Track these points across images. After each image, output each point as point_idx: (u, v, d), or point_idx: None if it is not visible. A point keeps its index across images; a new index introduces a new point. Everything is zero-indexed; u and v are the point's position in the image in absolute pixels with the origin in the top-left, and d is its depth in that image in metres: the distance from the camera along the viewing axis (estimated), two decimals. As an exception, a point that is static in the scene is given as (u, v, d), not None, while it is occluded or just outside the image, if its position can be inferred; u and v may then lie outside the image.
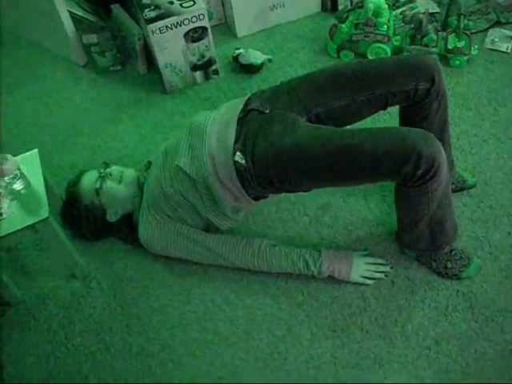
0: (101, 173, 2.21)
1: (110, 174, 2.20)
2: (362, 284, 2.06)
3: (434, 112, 2.02)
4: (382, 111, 2.07)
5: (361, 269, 2.06)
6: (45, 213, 1.95)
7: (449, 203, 1.92)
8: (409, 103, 2.02)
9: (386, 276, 2.07)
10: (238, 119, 1.99)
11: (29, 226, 1.93)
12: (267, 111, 1.99)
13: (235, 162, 1.91)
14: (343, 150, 1.79)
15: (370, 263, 2.08)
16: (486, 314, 1.93)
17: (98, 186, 2.18)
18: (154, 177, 2.14)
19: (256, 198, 2.03)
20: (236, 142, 1.93)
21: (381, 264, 2.09)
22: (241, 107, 2.03)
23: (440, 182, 1.77)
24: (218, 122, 2.03)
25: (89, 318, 2.11)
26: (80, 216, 2.23)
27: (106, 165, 2.26)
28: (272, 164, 1.87)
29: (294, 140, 1.86)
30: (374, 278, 2.06)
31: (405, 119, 2.12)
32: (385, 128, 1.90)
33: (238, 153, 1.91)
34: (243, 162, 1.90)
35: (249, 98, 2.09)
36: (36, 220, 1.93)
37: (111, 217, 2.24)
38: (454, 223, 2.00)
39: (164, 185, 2.07)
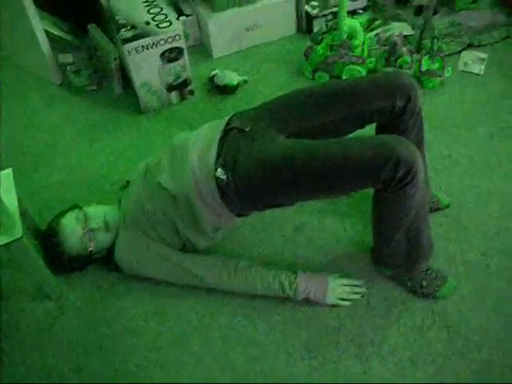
0: (85, 229, 2.13)
1: (97, 228, 2.14)
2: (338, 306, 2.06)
3: (409, 130, 2.04)
4: (359, 129, 2.08)
5: (337, 291, 2.06)
6: (18, 233, 1.92)
7: (425, 216, 1.94)
8: (385, 121, 2.03)
9: (361, 297, 2.07)
10: (220, 138, 2.00)
11: (2, 245, 1.90)
12: (247, 129, 2.00)
13: (217, 178, 1.92)
14: (323, 159, 1.80)
15: (345, 285, 2.08)
16: (461, 334, 1.94)
17: (91, 247, 2.13)
18: (133, 195, 2.13)
19: (238, 215, 2.03)
20: (217, 159, 1.94)
21: (356, 285, 2.10)
22: (222, 127, 2.05)
23: (417, 188, 1.78)
24: (200, 140, 2.04)
25: (62, 339, 2.08)
26: (64, 261, 2.18)
27: (80, 208, 2.19)
28: (253, 177, 1.88)
29: (275, 153, 1.87)
30: (349, 299, 2.06)
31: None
32: (363, 136, 1.91)
33: (219, 169, 1.92)
34: (224, 177, 1.90)
35: (230, 118, 2.10)
36: (9, 240, 1.91)
37: (97, 256, 2.21)
38: (430, 239, 2.01)
39: (144, 202, 2.06)
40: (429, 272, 2.03)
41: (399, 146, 1.73)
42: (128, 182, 2.29)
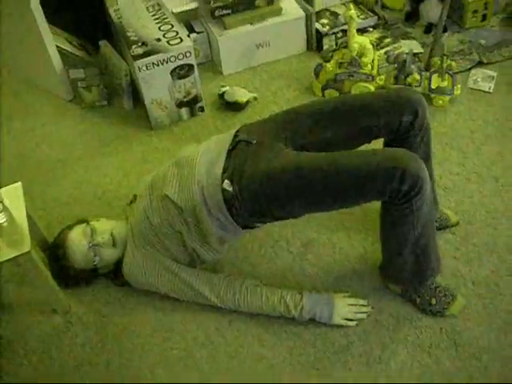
0: (90, 243, 2.13)
1: (103, 243, 2.14)
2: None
3: (417, 145, 2.04)
4: (366, 144, 2.09)
5: (343, 311, 2.05)
6: (27, 246, 1.93)
7: (433, 232, 1.93)
8: (393, 136, 2.04)
9: (368, 316, 2.06)
10: (227, 151, 2.01)
11: (10, 259, 1.91)
12: (254, 141, 2.01)
13: (223, 190, 1.92)
14: (330, 170, 1.81)
15: (351, 304, 2.07)
16: (469, 352, 1.92)
17: (95, 260, 2.14)
18: (140, 208, 2.13)
19: (244, 227, 2.03)
20: (224, 171, 1.95)
21: (362, 305, 2.08)
22: (229, 140, 2.06)
23: (424, 201, 1.79)
24: (207, 153, 2.05)
25: (69, 354, 2.08)
26: (70, 275, 2.19)
27: (87, 222, 2.19)
28: (260, 189, 1.88)
29: (281, 164, 1.88)
30: (355, 319, 2.05)
31: None
32: (368, 150, 1.91)
33: (226, 181, 1.93)
34: (231, 189, 1.91)
35: (237, 131, 2.11)
36: (18, 253, 1.92)
37: (103, 271, 2.23)
38: (438, 255, 2.00)
39: (151, 215, 2.07)
40: (438, 290, 2.02)
41: (405, 158, 1.74)
42: (135, 197, 2.29)
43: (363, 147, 2.07)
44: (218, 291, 2.08)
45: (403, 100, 1.99)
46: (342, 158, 1.85)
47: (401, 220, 1.86)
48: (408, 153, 1.79)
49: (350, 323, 2.04)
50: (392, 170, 1.72)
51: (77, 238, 2.14)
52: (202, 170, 2.00)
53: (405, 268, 1.99)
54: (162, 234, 2.07)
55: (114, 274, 2.22)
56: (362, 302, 2.09)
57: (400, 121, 1.98)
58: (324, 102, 2.13)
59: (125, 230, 2.20)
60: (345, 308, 2.05)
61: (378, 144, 2.10)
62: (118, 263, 2.19)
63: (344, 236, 2.33)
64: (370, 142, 2.08)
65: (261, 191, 1.89)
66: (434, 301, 2.01)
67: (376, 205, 1.91)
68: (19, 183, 2.18)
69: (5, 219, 1.99)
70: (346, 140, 2.05)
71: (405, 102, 1.98)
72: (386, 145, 2.13)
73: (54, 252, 2.18)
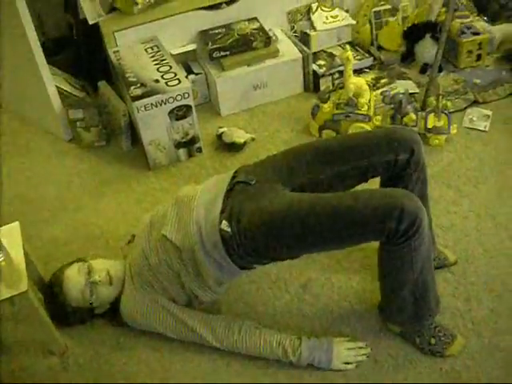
0: (87, 281, 2.12)
1: (100, 281, 2.13)
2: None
3: (413, 184, 2.05)
4: (363, 183, 2.10)
5: (342, 356, 2.02)
6: (24, 286, 1.92)
7: (431, 271, 1.93)
8: (389, 174, 2.05)
9: (367, 357, 2.04)
10: (226, 192, 2.02)
11: (7, 298, 1.90)
12: (253, 182, 2.02)
13: (221, 230, 1.92)
14: (327, 212, 1.82)
15: (350, 348, 2.05)
16: (470, 393, 1.91)
17: (91, 299, 2.12)
18: (139, 248, 2.13)
19: (241, 268, 2.02)
20: (222, 212, 1.95)
21: (361, 347, 2.06)
22: (228, 180, 2.07)
23: (422, 240, 1.79)
24: (206, 193, 2.06)
25: (65, 396, 2.06)
26: (65, 313, 2.18)
27: (84, 261, 2.20)
28: (258, 230, 1.88)
29: (280, 206, 1.89)
30: (356, 362, 2.03)
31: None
32: (365, 190, 1.93)
33: (224, 221, 1.93)
34: (229, 229, 1.91)
35: (236, 172, 2.12)
36: (15, 293, 1.91)
37: (99, 311, 2.21)
38: (436, 294, 2.00)
39: (149, 255, 2.07)
40: (437, 329, 2.01)
41: (403, 198, 1.75)
42: (133, 237, 2.29)
43: (360, 186, 2.08)
44: (216, 333, 2.07)
45: (398, 138, 2.01)
46: (340, 198, 1.86)
47: (399, 260, 1.85)
48: (406, 192, 1.81)
49: (350, 366, 2.02)
50: (390, 210, 1.73)
51: (74, 276, 2.14)
52: (200, 211, 2.00)
53: (404, 308, 1.98)
54: (160, 274, 2.06)
55: (112, 313, 2.21)
56: (360, 344, 2.07)
57: (396, 159, 1.99)
58: (321, 143, 2.15)
59: (122, 269, 2.20)
60: (344, 352, 2.03)
61: (374, 183, 2.11)
62: (115, 303, 2.18)
63: (343, 276, 2.32)
64: (367, 181, 2.09)
65: (259, 232, 1.89)
66: (433, 341, 2.00)
67: (375, 244, 1.91)
68: (17, 223, 2.18)
69: (2, 258, 1.98)
70: (343, 179, 2.06)
71: (400, 141, 2.00)
72: (382, 184, 2.15)
73: (50, 289, 2.17)
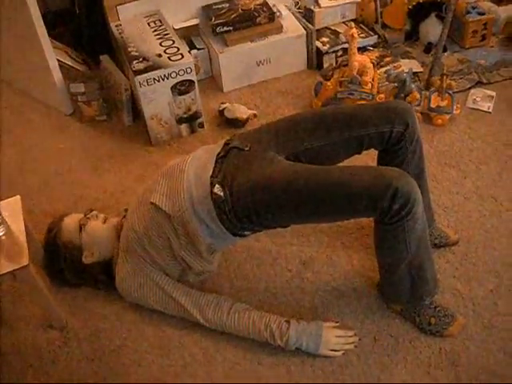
0: (86, 214, 2.21)
1: (97, 216, 2.21)
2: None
3: (409, 158, 2.06)
4: (357, 154, 2.10)
5: (330, 342, 2.02)
6: (25, 260, 1.92)
7: (427, 251, 1.93)
8: (384, 147, 2.06)
9: (355, 346, 2.03)
10: (218, 158, 2.02)
11: (8, 272, 1.90)
12: (247, 148, 2.03)
13: (213, 194, 1.92)
14: (321, 184, 1.83)
15: (339, 336, 2.05)
16: (468, 373, 1.91)
17: (83, 222, 2.18)
18: (129, 221, 2.14)
19: (233, 234, 2.01)
20: (215, 176, 1.95)
21: (350, 336, 2.06)
22: (219, 148, 2.07)
23: (416, 221, 1.80)
24: (197, 159, 2.07)
25: (65, 369, 2.06)
26: (58, 253, 2.19)
27: (91, 210, 2.26)
28: (250, 196, 1.88)
29: (274, 174, 1.89)
30: (342, 350, 2.03)
31: (381, 165, 2.15)
32: (362, 166, 1.92)
33: (217, 185, 1.93)
34: (222, 193, 1.91)
35: (229, 139, 2.12)
36: (16, 267, 1.90)
37: (86, 258, 2.19)
38: (435, 274, 2.00)
39: (137, 227, 2.07)
40: (437, 309, 2.01)
41: (398, 177, 1.76)
42: (126, 211, 2.29)
43: (354, 158, 2.09)
44: (205, 312, 2.07)
45: (394, 110, 2.01)
46: (335, 172, 1.87)
47: (393, 239, 1.86)
48: (401, 172, 1.81)
49: (337, 354, 2.01)
50: (384, 188, 1.73)
51: (73, 215, 2.24)
52: (190, 176, 2.00)
53: (401, 287, 1.99)
54: (150, 245, 2.06)
55: (108, 280, 2.22)
56: (350, 333, 2.06)
57: (391, 131, 1.99)
58: (318, 112, 2.14)
59: (117, 221, 2.25)
60: (332, 340, 2.02)
61: (371, 158, 2.11)
62: (107, 268, 2.21)
63: (343, 254, 2.32)
64: (360, 153, 2.09)
65: (251, 198, 1.89)
66: (433, 320, 2.00)
67: (375, 223, 1.91)
68: (18, 196, 2.17)
69: (3, 232, 1.98)
70: (338, 149, 2.06)
71: (395, 112, 2.00)
72: (379, 158, 2.15)
73: (49, 233, 2.23)
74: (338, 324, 2.08)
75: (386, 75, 3.01)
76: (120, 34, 3.07)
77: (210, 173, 1.97)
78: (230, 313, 2.05)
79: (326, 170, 1.89)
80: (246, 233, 2.05)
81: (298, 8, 3.50)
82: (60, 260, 2.20)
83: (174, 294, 2.09)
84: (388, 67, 3.18)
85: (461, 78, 3.09)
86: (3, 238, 1.98)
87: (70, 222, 2.21)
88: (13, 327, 2.21)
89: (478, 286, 2.15)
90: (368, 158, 2.22)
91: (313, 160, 2.03)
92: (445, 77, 2.82)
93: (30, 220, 2.26)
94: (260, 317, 2.04)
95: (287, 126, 2.10)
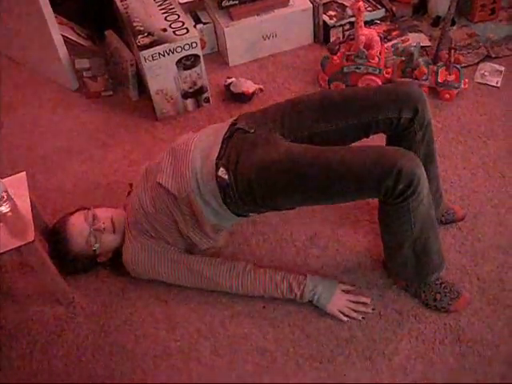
0: (92, 227, 2.14)
1: (104, 228, 2.15)
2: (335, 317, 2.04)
3: (418, 142, 2.03)
4: (365, 138, 2.09)
5: (340, 302, 2.04)
6: (31, 236, 1.93)
7: (433, 230, 1.92)
8: (392, 132, 2.04)
9: (362, 318, 2.03)
10: (224, 139, 2.01)
11: (14, 248, 1.91)
12: (252, 131, 2.02)
13: (218, 177, 1.92)
14: (326, 165, 1.82)
15: (351, 301, 2.06)
16: (473, 348, 1.92)
17: (95, 246, 2.14)
18: (135, 197, 2.14)
19: (238, 215, 2.03)
20: (220, 158, 1.95)
21: (363, 303, 2.06)
22: (227, 127, 2.06)
23: (420, 201, 1.79)
24: (203, 140, 2.06)
25: (72, 344, 2.08)
26: (69, 259, 2.18)
27: (88, 209, 2.20)
28: (255, 179, 1.88)
29: (279, 156, 1.88)
30: (349, 316, 2.03)
31: None
32: (366, 146, 1.91)
33: (221, 168, 1.92)
34: (226, 177, 1.91)
35: (236, 119, 2.11)
36: (22, 243, 1.91)
37: (101, 258, 2.22)
38: (440, 254, 1.99)
39: (145, 205, 2.07)
40: (443, 285, 2.01)
41: (402, 157, 1.74)
42: (131, 186, 2.29)
43: (361, 142, 2.07)
44: (221, 272, 2.08)
45: (403, 96, 1.98)
46: (339, 153, 1.85)
47: (397, 219, 1.86)
48: (407, 152, 1.79)
49: (343, 317, 2.02)
50: (388, 168, 1.72)
51: (79, 223, 2.15)
52: (196, 157, 1.99)
53: (406, 265, 1.98)
54: (157, 222, 2.07)
55: (115, 262, 2.22)
56: (364, 299, 2.06)
57: (399, 117, 1.97)
58: (326, 95, 2.11)
59: (124, 217, 2.21)
60: (343, 301, 2.04)
61: (380, 140, 2.09)
62: (117, 252, 2.20)
63: (349, 230, 2.32)
64: (367, 137, 2.08)
65: (256, 181, 1.89)
66: (438, 296, 2.00)
67: (381, 199, 1.90)
68: (23, 173, 2.17)
69: (9, 209, 1.99)
70: (344, 133, 2.04)
71: (405, 98, 1.98)
72: (388, 141, 2.13)
73: (54, 237, 2.18)
74: (353, 288, 2.10)
75: (393, 49, 2.98)
76: (125, 8, 3.05)
77: (216, 154, 1.96)
78: (246, 270, 2.07)
79: (331, 150, 1.87)
80: (250, 214, 2.07)
81: (305, -19, 3.46)
82: (69, 264, 2.20)
83: (185, 261, 2.10)
84: (395, 41, 3.15)
85: (469, 53, 3.06)
86: (9, 214, 1.99)
87: (80, 240, 2.13)
88: (20, 303, 2.23)
89: (483, 262, 2.15)
90: (377, 138, 2.20)
91: (319, 143, 2.00)
92: (453, 51, 2.79)
93: (35, 196, 2.26)
94: (276, 272, 2.07)
95: (294, 109, 2.08)
